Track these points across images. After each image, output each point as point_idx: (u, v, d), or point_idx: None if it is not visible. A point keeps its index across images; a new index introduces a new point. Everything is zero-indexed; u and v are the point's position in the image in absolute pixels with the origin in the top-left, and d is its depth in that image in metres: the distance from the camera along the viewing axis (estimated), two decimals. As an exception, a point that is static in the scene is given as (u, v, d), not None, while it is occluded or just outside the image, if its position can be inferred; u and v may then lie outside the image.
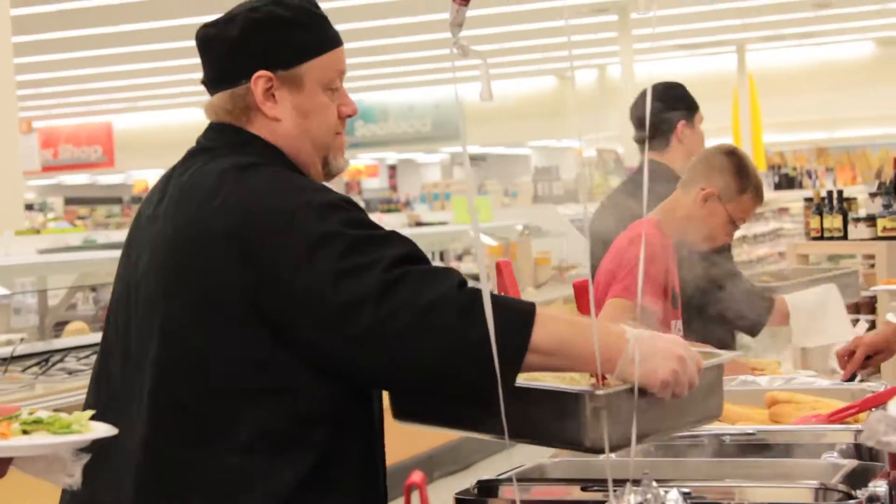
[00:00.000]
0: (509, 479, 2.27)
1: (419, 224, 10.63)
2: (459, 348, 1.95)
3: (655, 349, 2.04)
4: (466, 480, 2.33)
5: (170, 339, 2.10)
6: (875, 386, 2.93)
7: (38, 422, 1.83)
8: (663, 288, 3.67)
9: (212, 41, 2.24)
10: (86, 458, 1.85)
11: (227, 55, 2.22)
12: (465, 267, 10.57)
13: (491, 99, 1.79)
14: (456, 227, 9.72)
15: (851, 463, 2.28)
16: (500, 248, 9.42)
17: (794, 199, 15.92)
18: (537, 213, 10.64)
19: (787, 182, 16.68)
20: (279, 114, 2.20)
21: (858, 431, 2.55)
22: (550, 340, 2.01)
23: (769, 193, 15.75)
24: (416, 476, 1.37)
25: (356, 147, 26.65)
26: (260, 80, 2.18)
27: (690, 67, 24.80)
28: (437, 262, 11.51)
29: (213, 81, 2.26)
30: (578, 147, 23.83)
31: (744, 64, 22.54)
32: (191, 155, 2.27)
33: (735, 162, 3.94)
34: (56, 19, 15.96)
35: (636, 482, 1.92)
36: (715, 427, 2.76)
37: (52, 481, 1.84)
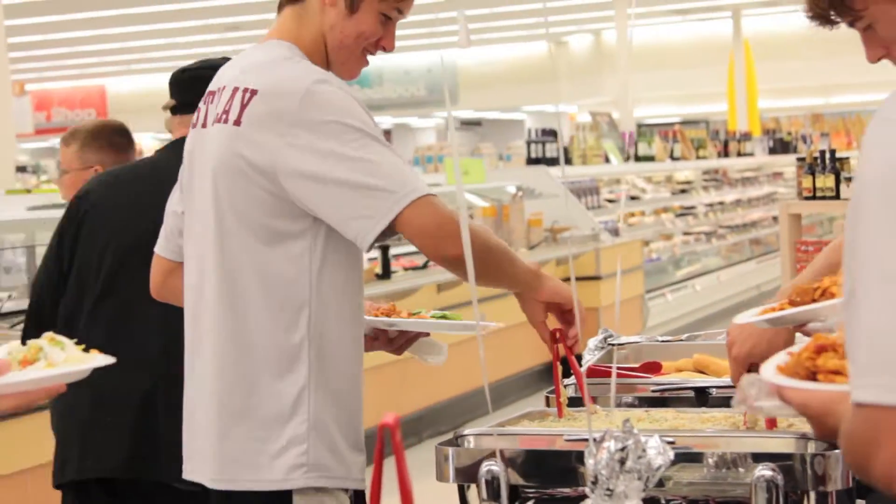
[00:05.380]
0: (490, 433, 2.26)
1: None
2: None
3: None
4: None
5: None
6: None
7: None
8: None
9: None
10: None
11: None
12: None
13: (468, 46, 1.78)
14: (448, 189, 9.67)
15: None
16: (493, 209, 9.38)
17: (788, 164, 15.89)
18: (531, 175, 10.58)
19: (781, 147, 16.65)
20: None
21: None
22: None
23: (763, 157, 15.71)
24: (390, 417, 1.35)
25: (351, 111, 26.56)
26: None
27: (686, 32, 24.73)
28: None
29: None
30: (572, 112, 23.78)
31: (739, 29, 22.43)
32: None
33: None
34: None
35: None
36: (699, 379, 2.75)
37: (427, 361, 2.67)
